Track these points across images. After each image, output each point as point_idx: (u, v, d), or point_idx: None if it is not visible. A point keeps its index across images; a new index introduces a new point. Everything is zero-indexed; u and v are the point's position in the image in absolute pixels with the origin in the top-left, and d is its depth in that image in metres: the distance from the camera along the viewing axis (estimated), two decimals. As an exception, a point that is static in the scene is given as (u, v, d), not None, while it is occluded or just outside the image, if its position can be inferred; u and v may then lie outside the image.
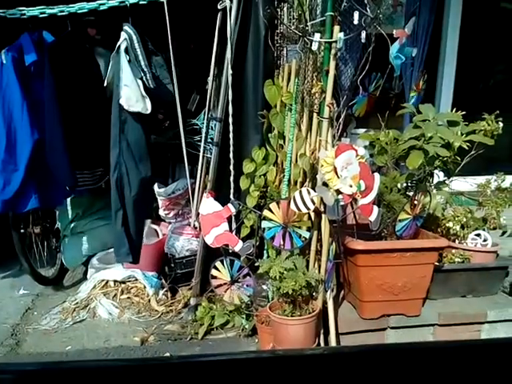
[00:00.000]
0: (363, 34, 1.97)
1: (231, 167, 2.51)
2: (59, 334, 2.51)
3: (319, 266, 2.20)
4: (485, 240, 2.45)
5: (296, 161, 2.29)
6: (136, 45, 2.38)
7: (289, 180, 2.33)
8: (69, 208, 3.07)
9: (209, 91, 2.65)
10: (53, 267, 3.17)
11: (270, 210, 2.11)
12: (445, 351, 0.64)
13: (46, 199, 2.67)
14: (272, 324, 2.11)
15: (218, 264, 2.26)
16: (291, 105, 2.30)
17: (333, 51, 1.97)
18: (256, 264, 2.18)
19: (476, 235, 2.46)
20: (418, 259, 2.12)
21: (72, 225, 3.10)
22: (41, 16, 2.43)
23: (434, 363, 0.61)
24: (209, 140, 2.68)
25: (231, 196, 2.51)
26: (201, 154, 2.72)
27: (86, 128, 2.64)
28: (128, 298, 2.79)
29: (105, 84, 2.52)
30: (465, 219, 2.43)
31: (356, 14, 1.90)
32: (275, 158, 2.49)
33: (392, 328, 2.25)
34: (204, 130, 2.70)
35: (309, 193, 1.99)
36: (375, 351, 0.67)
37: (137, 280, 2.84)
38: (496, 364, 0.62)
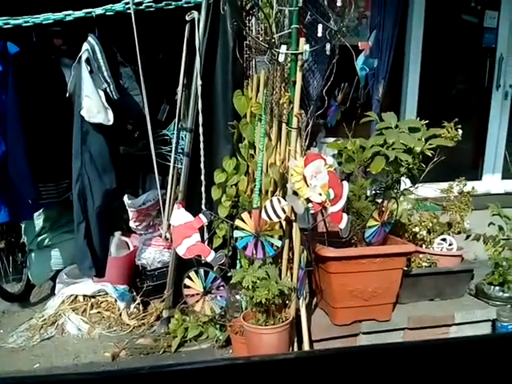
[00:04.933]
0: (328, 46, 2.02)
1: (202, 177, 2.51)
2: (27, 352, 2.43)
3: (291, 274, 2.21)
4: (450, 244, 2.53)
5: (267, 170, 2.31)
6: (99, 55, 2.36)
7: (260, 189, 2.35)
8: (35, 221, 2.99)
9: (178, 102, 2.65)
10: (19, 283, 3.06)
11: (242, 219, 2.12)
12: (414, 350, 0.66)
13: (15, 213, 2.59)
14: (246, 334, 2.11)
15: (191, 274, 2.24)
16: (261, 115, 2.33)
17: (299, 63, 2.01)
18: (229, 274, 2.18)
19: (442, 240, 2.54)
20: (387, 265, 2.17)
21: (39, 239, 3.01)
22: (5, 27, 2.38)
23: (404, 362, 0.63)
24: (179, 150, 2.68)
25: (203, 206, 2.50)
26: (171, 164, 2.71)
27: (51, 139, 2.59)
28: (98, 312, 2.72)
29: (67, 95, 2.48)
30: (431, 224, 2.51)
31: (320, 27, 1.94)
32: (246, 167, 2.50)
33: (364, 333, 2.28)
34: (174, 141, 2.69)
35: (279, 202, 2.01)
36: (349, 353, 0.68)
37: (107, 294, 2.78)
38: (461, 362, 0.64)
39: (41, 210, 2.91)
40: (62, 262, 3.05)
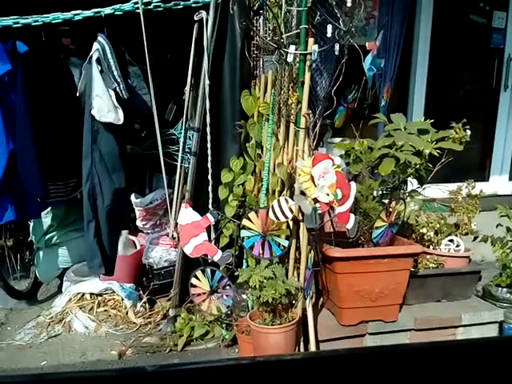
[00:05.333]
0: (337, 47, 2.02)
1: (209, 177, 2.51)
2: (34, 349, 2.45)
3: (298, 274, 2.21)
4: (457, 245, 2.52)
5: (274, 170, 2.31)
6: (109, 55, 2.38)
7: (267, 189, 2.35)
8: (43, 220, 3.01)
9: (186, 101, 2.66)
10: (26, 281, 3.08)
11: (249, 219, 2.12)
12: (421, 352, 0.66)
13: (22, 212, 2.61)
14: (252, 333, 2.11)
15: (198, 273, 2.25)
16: (268, 115, 2.33)
17: (308, 63, 2.02)
18: (235, 273, 2.19)
19: (449, 241, 2.53)
20: (395, 265, 2.16)
21: (46, 237, 3.03)
22: (14, 26, 2.40)
23: (410, 364, 0.63)
24: (186, 150, 2.68)
25: (210, 206, 2.51)
26: (178, 163, 2.71)
27: (60, 138, 2.60)
28: (105, 310, 2.73)
29: (77, 94, 2.49)
30: (438, 225, 2.50)
31: (329, 27, 1.94)
32: (253, 167, 2.50)
33: (370, 334, 2.28)
34: (181, 140, 2.70)
35: (287, 202, 2.01)
36: (355, 354, 0.69)
37: (114, 292, 2.79)
38: (468, 364, 0.64)
39: (49, 209, 2.93)
40: (69, 260, 3.07)
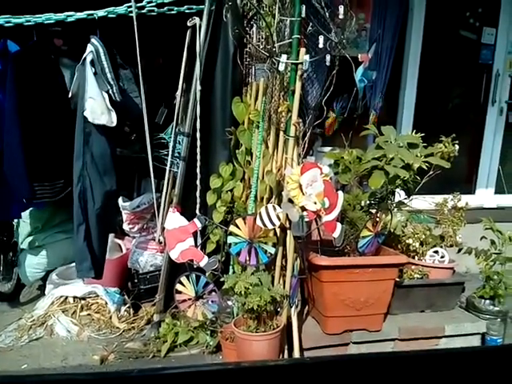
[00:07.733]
0: (328, 57, 2.04)
1: (198, 182, 2.51)
2: (14, 352, 2.41)
3: (284, 282, 2.21)
4: (442, 257, 2.55)
5: (263, 177, 2.32)
6: (103, 57, 2.37)
7: (255, 196, 2.35)
8: (27, 221, 2.97)
9: (177, 106, 2.66)
10: (9, 282, 3.03)
11: (237, 225, 2.12)
12: (403, 360, 0.67)
13: (2, 211, 2.58)
14: (236, 340, 2.10)
15: (183, 279, 2.24)
16: (259, 122, 2.34)
17: (299, 72, 2.04)
18: (221, 279, 2.18)
19: (434, 252, 2.56)
20: (380, 275, 2.18)
21: (30, 238, 2.98)
22: (6, 25, 2.38)
23: (393, 372, 0.63)
24: (176, 154, 2.68)
25: (197, 211, 2.50)
26: (167, 168, 2.71)
27: (48, 139, 2.58)
28: (88, 314, 2.70)
29: (69, 95, 2.48)
30: (424, 236, 2.53)
31: (321, 38, 1.97)
32: (242, 174, 2.50)
33: (354, 343, 2.28)
34: (171, 145, 2.70)
35: (274, 209, 2.02)
36: (338, 362, 0.69)
37: (98, 296, 2.76)
38: (450, 373, 0.65)
39: (31, 209, 2.89)
40: (53, 262, 3.03)
